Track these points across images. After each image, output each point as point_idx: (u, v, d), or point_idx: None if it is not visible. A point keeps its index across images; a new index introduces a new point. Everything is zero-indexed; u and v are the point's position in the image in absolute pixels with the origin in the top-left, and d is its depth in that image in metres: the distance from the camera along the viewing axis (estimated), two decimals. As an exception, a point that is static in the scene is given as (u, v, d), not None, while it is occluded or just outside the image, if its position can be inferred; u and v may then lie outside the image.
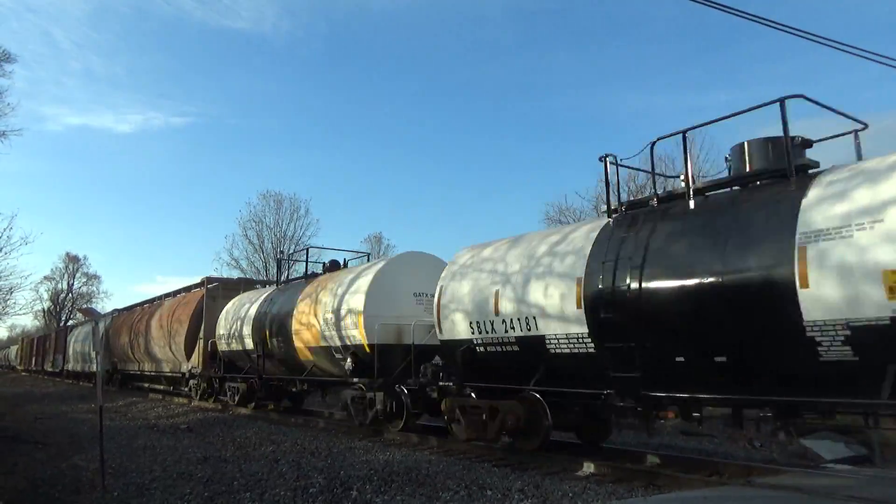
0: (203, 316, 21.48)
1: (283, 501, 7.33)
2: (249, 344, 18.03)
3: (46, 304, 78.41)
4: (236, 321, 19.07)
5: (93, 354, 23.40)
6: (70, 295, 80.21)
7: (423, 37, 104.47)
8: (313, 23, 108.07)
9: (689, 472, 7.91)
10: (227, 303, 20.87)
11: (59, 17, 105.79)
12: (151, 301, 28.96)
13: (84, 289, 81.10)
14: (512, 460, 9.49)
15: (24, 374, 61.33)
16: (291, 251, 36.84)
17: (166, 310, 24.99)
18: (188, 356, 22.30)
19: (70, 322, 64.51)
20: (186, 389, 22.87)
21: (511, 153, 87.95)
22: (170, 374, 24.51)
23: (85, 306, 71.20)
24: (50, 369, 48.05)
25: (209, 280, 23.07)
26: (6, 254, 25.48)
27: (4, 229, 25.04)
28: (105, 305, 69.75)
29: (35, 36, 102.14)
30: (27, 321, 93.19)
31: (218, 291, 22.11)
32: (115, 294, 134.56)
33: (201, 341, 21.28)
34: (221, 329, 20.12)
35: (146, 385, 28.66)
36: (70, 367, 40.70)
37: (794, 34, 7.93)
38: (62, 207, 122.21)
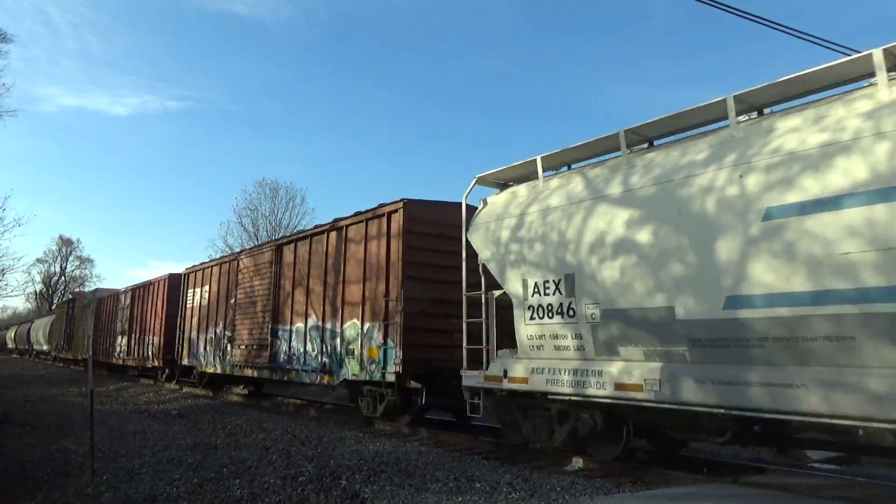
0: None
1: (273, 489, 7.34)
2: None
3: (38, 287, 77.84)
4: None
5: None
6: (63, 278, 79.94)
7: (423, 23, 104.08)
8: (313, 8, 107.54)
9: (676, 469, 7.97)
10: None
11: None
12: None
13: (77, 272, 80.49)
14: (501, 454, 9.55)
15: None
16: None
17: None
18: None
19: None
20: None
21: (510, 143, 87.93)
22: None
23: (77, 290, 70.73)
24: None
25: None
26: (-1, 235, 25.44)
27: (-2, 210, 25.00)
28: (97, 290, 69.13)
29: (31, 14, 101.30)
30: (19, 303, 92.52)
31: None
32: (108, 278, 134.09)
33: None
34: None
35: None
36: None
37: (789, 34, 7.95)
38: (56, 189, 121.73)
